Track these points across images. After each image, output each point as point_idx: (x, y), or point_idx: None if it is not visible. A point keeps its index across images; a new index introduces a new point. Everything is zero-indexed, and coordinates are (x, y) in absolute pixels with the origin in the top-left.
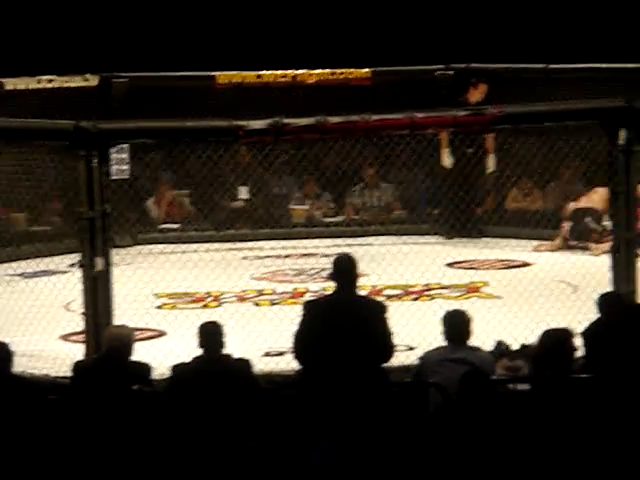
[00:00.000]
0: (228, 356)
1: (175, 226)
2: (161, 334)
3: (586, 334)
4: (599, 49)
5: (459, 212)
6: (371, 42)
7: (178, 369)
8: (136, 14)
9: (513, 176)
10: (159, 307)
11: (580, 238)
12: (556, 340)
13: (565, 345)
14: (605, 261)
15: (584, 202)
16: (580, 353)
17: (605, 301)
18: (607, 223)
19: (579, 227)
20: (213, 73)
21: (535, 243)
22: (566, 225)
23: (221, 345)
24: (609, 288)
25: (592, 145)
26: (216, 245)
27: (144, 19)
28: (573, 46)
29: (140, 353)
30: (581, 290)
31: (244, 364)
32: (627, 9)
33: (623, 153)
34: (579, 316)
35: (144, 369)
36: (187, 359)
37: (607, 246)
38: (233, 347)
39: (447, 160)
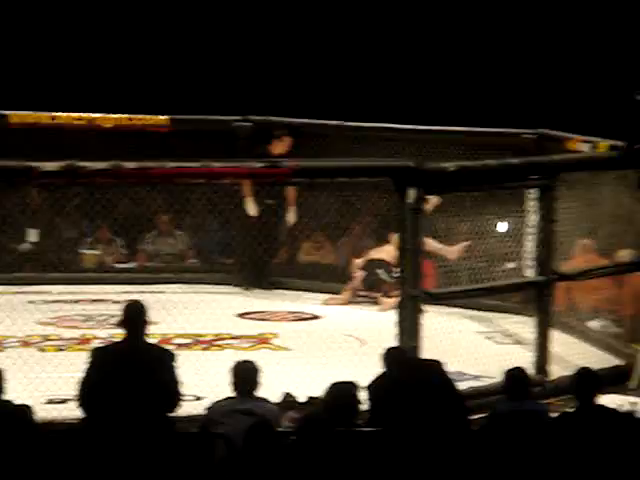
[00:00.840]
0: (8, 402)
1: None
2: None
3: (370, 388)
4: (393, 110)
5: (253, 262)
6: (170, 89)
7: None
8: None
9: (306, 229)
10: None
11: (371, 288)
12: (342, 393)
13: (351, 398)
14: (392, 316)
15: (376, 254)
16: (365, 407)
17: (390, 356)
18: (397, 275)
19: (371, 277)
20: (5, 112)
21: (326, 296)
22: (358, 275)
23: (1, 391)
24: (395, 342)
25: (383, 202)
26: (1, 288)
27: None
28: (368, 105)
29: None
30: (368, 344)
31: (24, 410)
32: (415, 74)
33: (411, 211)
34: (365, 370)
35: None
36: None
37: (395, 301)
38: (15, 393)
39: (252, 209)
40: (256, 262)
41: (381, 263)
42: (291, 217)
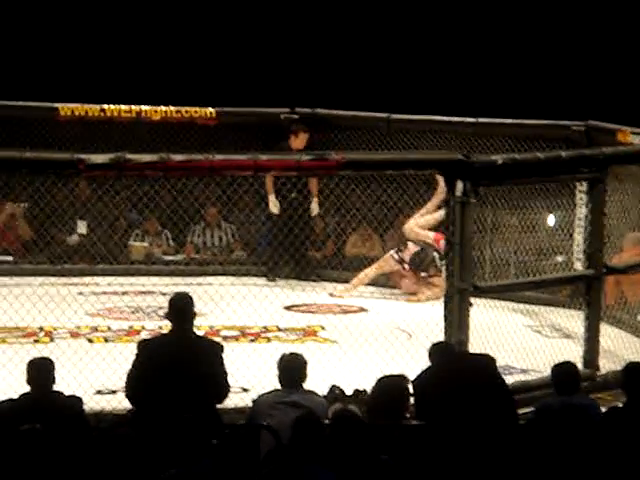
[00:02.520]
0: (58, 393)
1: (9, 258)
2: None
3: (416, 382)
4: (441, 102)
5: (298, 255)
6: (217, 82)
7: (4, 406)
8: None
9: (353, 222)
10: None
11: (418, 267)
12: (392, 387)
13: (401, 392)
14: (439, 309)
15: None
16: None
17: (436, 350)
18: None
19: (423, 255)
20: (55, 104)
21: (372, 289)
22: (411, 247)
23: (51, 382)
24: (442, 336)
25: (430, 195)
26: (51, 279)
27: None
28: (414, 98)
29: None
30: (416, 337)
31: (75, 401)
32: (464, 66)
33: (459, 204)
34: (413, 363)
35: None
36: (15, 395)
37: (432, 293)
38: (64, 384)
39: (275, 207)
40: (302, 255)
41: (434, 248)
42: (315, 208)
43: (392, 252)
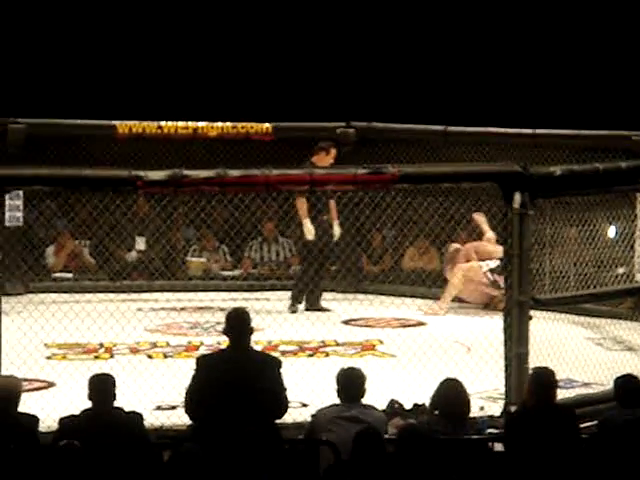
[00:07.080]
0: (119, 409)
1: (69, 275)
2: (50, 385)
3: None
4: (496, 114)
5: (355, 269)
6: (273, 97)
7: (66, 422)
8: (35, 59)
9: (410, 235)
10: (49, 357)
11: None
12: (451, 390)
13: (460, 394)
14: (499, 322)
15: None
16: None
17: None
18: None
19: None
20: (113, 122)
21: (429, 302)
22: (497, 275)
23: (112, 397)
24: (501, 349)
25: (488, 207)
26: (111, 296)
27: (43, 64)
28: (471, 110)
29: (28, 404)
30: (474, 350)
31: (135, 418)
32: (522, 77)
33: (517, 216)
34: (471, 376)
35: (31, 421)
36: (76, 411)
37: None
38: (124, 400)
39: (310, 233)
40: (358, 268)
41: None
42: (337, 231)
43: (484, 264)
